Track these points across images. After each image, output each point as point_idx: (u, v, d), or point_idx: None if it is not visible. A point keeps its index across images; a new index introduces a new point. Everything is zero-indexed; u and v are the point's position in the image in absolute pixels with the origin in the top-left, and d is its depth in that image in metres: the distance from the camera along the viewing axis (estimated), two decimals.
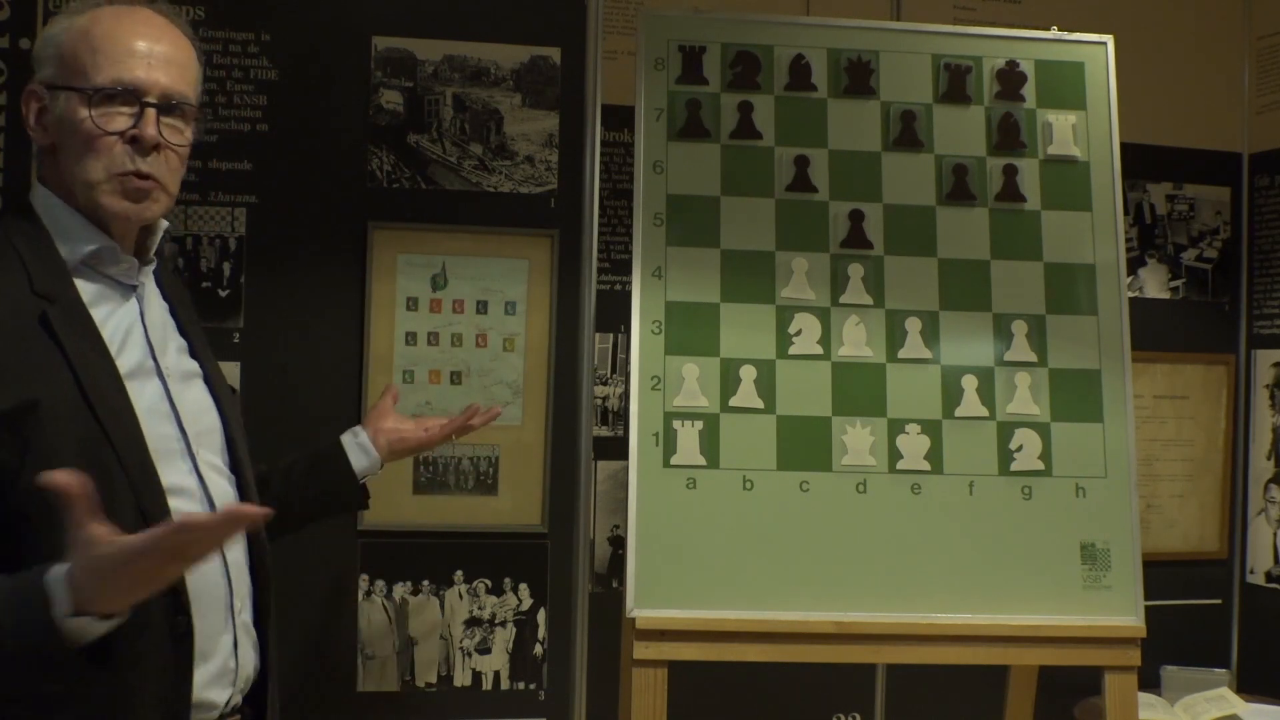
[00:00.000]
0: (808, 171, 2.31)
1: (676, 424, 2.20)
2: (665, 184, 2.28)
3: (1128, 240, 2.94)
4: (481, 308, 2.56)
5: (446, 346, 2.55)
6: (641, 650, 2.10)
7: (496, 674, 2.57)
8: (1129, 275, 2.91)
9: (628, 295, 2.29)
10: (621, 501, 2.54)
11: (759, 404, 2.21)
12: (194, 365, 1.65)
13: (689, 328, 2.23)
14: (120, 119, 1.47)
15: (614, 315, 2.63)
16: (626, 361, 2.58)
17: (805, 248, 2.29)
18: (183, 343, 1.65)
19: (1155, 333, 2.98)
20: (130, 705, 1.43)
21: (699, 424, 2.20)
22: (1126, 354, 2.32)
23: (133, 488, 1.44)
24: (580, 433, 2.58)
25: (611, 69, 2.64)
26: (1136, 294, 3.01)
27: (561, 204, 2.60)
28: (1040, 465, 2.27)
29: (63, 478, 1.24)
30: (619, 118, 2.61)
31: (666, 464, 2.18)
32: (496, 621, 2.57)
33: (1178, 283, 3.08)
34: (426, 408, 2.53)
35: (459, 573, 2.55)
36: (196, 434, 1.58)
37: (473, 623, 2.56)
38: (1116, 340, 2.32)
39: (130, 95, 1.47)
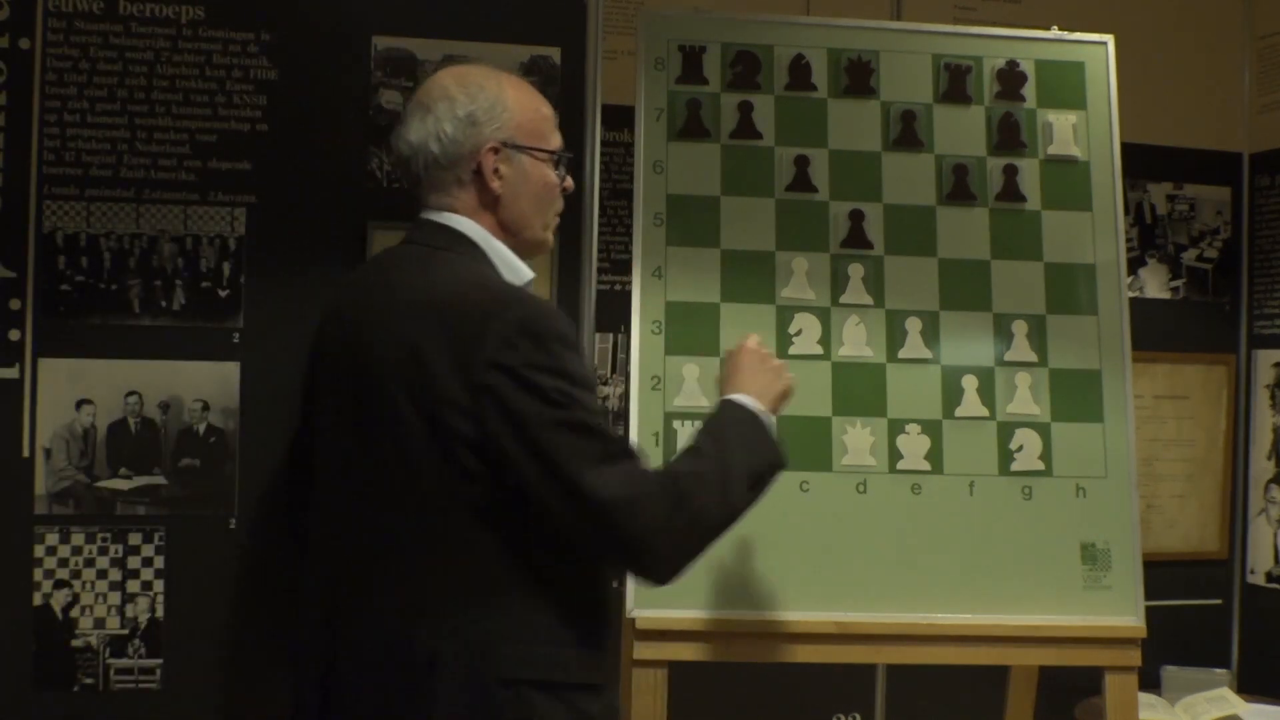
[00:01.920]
0: (808, 171, 2.31)
1: (677, 424, 2.20)
2: (665, 184, 2.28)
3: (1128, 240, 2.94)
4: None
5: None
6: (642, 651, 2.10)
7: None
8: (1129, 275, 2.91)
9: (628, 295, 2.29)
10: None
11: None
12: None
13: (689, 328, 2.23)
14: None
15: (614, 315, 2.63)
16: (626, 361, 2.58)
17: (805, 248, 2.29)
18: None
19: (1155, 333, 2.98)
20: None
21: (699, 424, 2.20)
22: (1127, 354, 2.32)
23: None
24: None
25: (611, 69, 2.64)
26: (1137, 294, 3.01)
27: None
28: (1040, 465, 2.27)
29: None
30: (619, 118, 2.61)
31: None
32: None
33: (1178, 283, 3.08)
34: None
35: None
36: None
37: None
38: (1117, 340, 2.32)
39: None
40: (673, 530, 1.52)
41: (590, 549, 1.58)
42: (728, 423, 1.69)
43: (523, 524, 1.55)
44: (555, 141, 1.79)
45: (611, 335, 2.68)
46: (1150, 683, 2.78)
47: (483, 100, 1.70)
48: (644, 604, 2.12)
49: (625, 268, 2.59)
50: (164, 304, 2.43)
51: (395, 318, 1.61)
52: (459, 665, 1.53)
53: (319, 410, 1.77)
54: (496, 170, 1.71)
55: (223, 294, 2.46)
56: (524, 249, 1.76)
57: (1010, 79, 2.38)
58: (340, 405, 1.68)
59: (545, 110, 1.79)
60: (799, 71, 2.35)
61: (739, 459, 1.62)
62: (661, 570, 1.57)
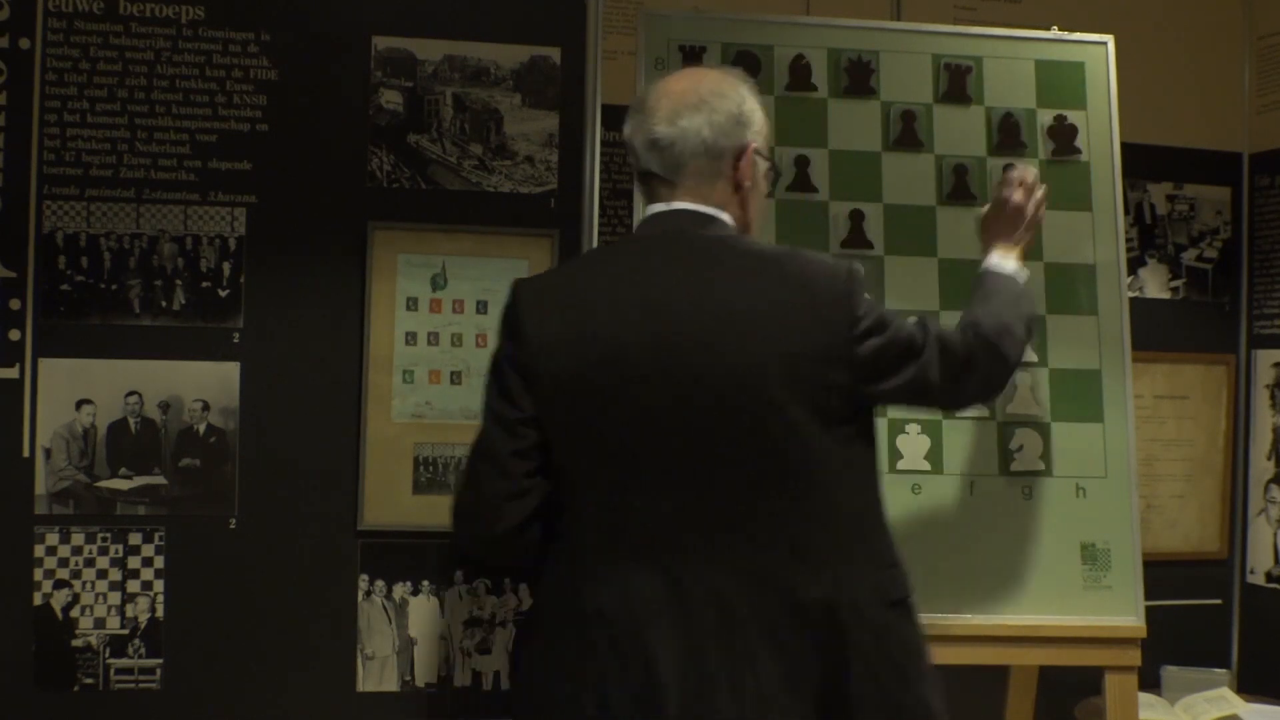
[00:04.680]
0: (808, 171, 2.31)
1: None
2: None
3: (1128, 240, 2.94)
4: (481, 308, 2.56)
5: (446, 346, 2.55)
6: None
7: (496, 674, 2.56)
8: (1129, 275, 2.91)
9: None
10: None
11: None
12: None
13: None
14: None
15: None
16: None
17: (805, 248, 2.28)
18: None
19: (1155, 333, 2.98)
20: None
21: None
22: (1127, 354, 2.32)
23: None
24: None
25: (611, 69, 2.64)
26: (1136, 294, 3.01)
27: (561, 204, 2.60)
28: (1040, 465, 2.27)
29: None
30: (619, 118, 2.60)
31: None
32: (497, 622, 2.56)
33: (1178, 283, 3.08)
34: (427, 408, 2.52)
35: (459, 573, 2.55)
36: None
37: (473, 623, 2.55)
38: (1117, 340, 2.32)
39: None
40: (1005, 367, 1.88)
41: (956, 397, 1.87)
42: (1000, 286, 2.01)
43: (870, 457, 1.75)
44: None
45: None
46: (1150, 683, 2.78)
47: (749, 104, 1.80)
48: None
49: None
50: (164, 304, 2.44)
51: (743, 297, 1.68)
52: (855, 601, 1.66)
53: (607, 400, 1.69)
54: (749, 171, 1.79)
55: (223, 294, 2.46)
56: None
57: (1061, 133, 2.38)
58: (677, 392, 1.66)
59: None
60: (799, 72, 2.35)
61: (1015, 317, 1.92)
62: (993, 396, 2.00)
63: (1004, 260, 2.04)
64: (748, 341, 1.66)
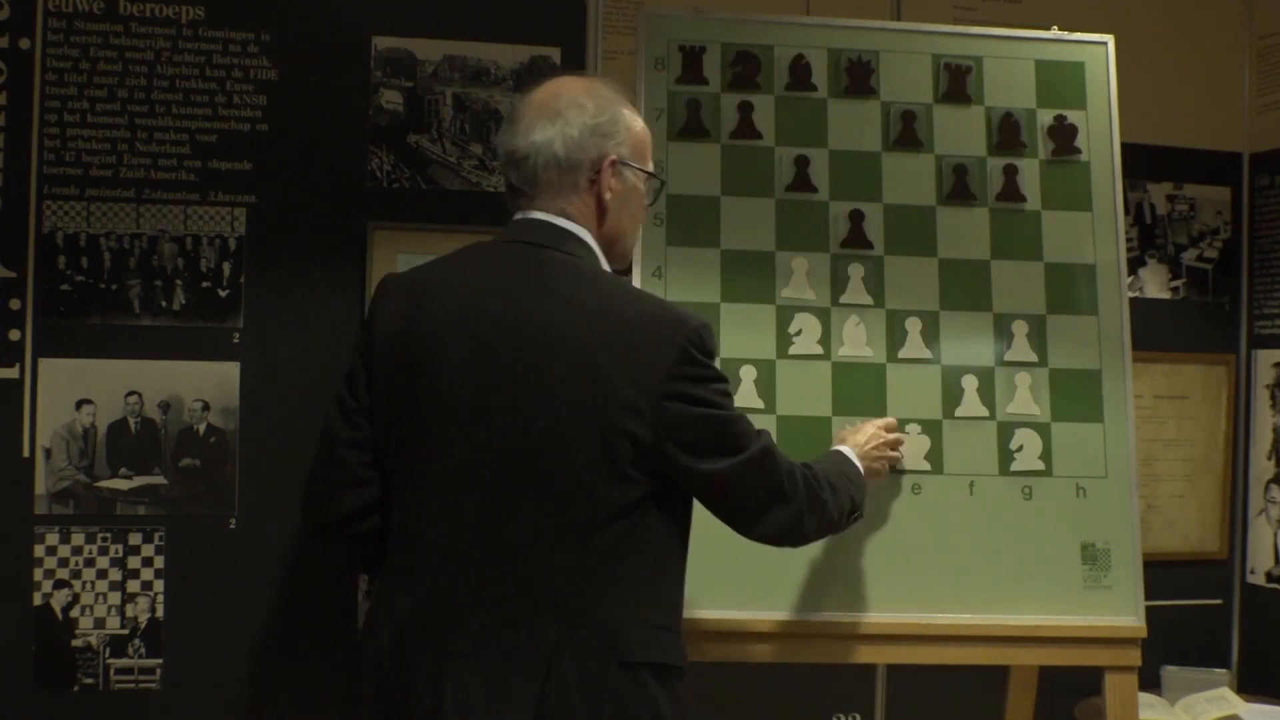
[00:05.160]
0: (808, 171, 2.31)
1: None
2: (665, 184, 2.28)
3: (1128, 240, 2.94)
4: None
5: None
6: None
7: None
8: (1129, 275, 2.91)
9: None
10: None
11: (759, 404, 2.21)
12: None
13: None
14: None
15: None
16: None
17: (805, 248, 2.29)
18: None
19: (1155, 333, 2.98)
20: None
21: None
22: (1127, 354, 2.32)
23: None
24: None
25: (611, 69, 2.64)
26: (1137, 294, 3.01)
27: None
28: (1040, 465, 2.27)
29: None
30: None
31: None
32: None
33: (1178, 283, 3.08)
34: None
35: None
36: None
37: None
38: (1117, 340, 2.32)
39: None
40: (818, 520, 1.83)
41: (757, 520, 1.76)
42: (839, 461, 2.01)
43: (660, 521, 1.69)
44: (651, 165, 1.88)
45: None
46: (1150, 683, 2.78)
47: (610, 114, 1.78)
48: None
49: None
50: (164, 304, 2.44)
51: (563, 324, 1.65)
52: (582, 649, 1.61)
53: (415, 400, 1.70)
54: (610, 183, 1.78)
55: (223, 294, 2.46)
56: (612, 258, 1.84)
57: (1061, 133, 2.37)
58: (475, 403, 1.66)
59: (649, 135, 1.88)
60: (799, 72, 2.35)
61: (846, 492, 1.91)
62: (805, 535, 1.85)
63: (852, 455, 2.04)
64: (556, 369, 1.64)
